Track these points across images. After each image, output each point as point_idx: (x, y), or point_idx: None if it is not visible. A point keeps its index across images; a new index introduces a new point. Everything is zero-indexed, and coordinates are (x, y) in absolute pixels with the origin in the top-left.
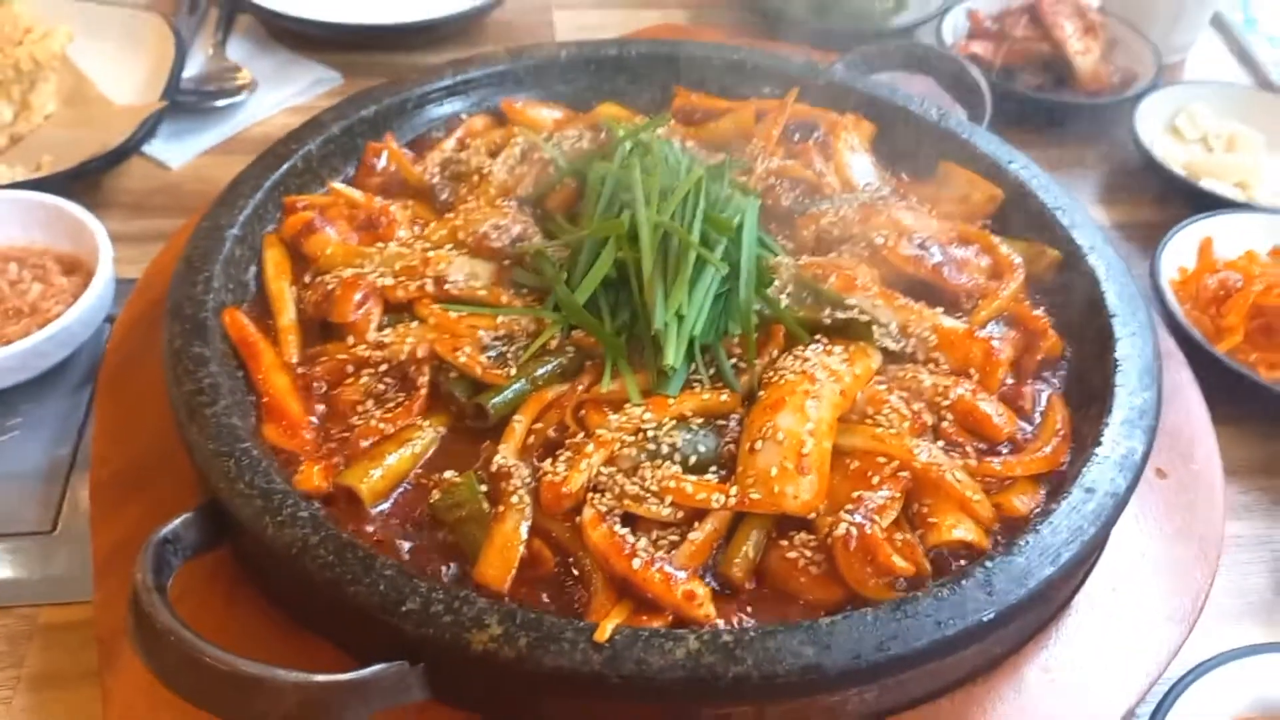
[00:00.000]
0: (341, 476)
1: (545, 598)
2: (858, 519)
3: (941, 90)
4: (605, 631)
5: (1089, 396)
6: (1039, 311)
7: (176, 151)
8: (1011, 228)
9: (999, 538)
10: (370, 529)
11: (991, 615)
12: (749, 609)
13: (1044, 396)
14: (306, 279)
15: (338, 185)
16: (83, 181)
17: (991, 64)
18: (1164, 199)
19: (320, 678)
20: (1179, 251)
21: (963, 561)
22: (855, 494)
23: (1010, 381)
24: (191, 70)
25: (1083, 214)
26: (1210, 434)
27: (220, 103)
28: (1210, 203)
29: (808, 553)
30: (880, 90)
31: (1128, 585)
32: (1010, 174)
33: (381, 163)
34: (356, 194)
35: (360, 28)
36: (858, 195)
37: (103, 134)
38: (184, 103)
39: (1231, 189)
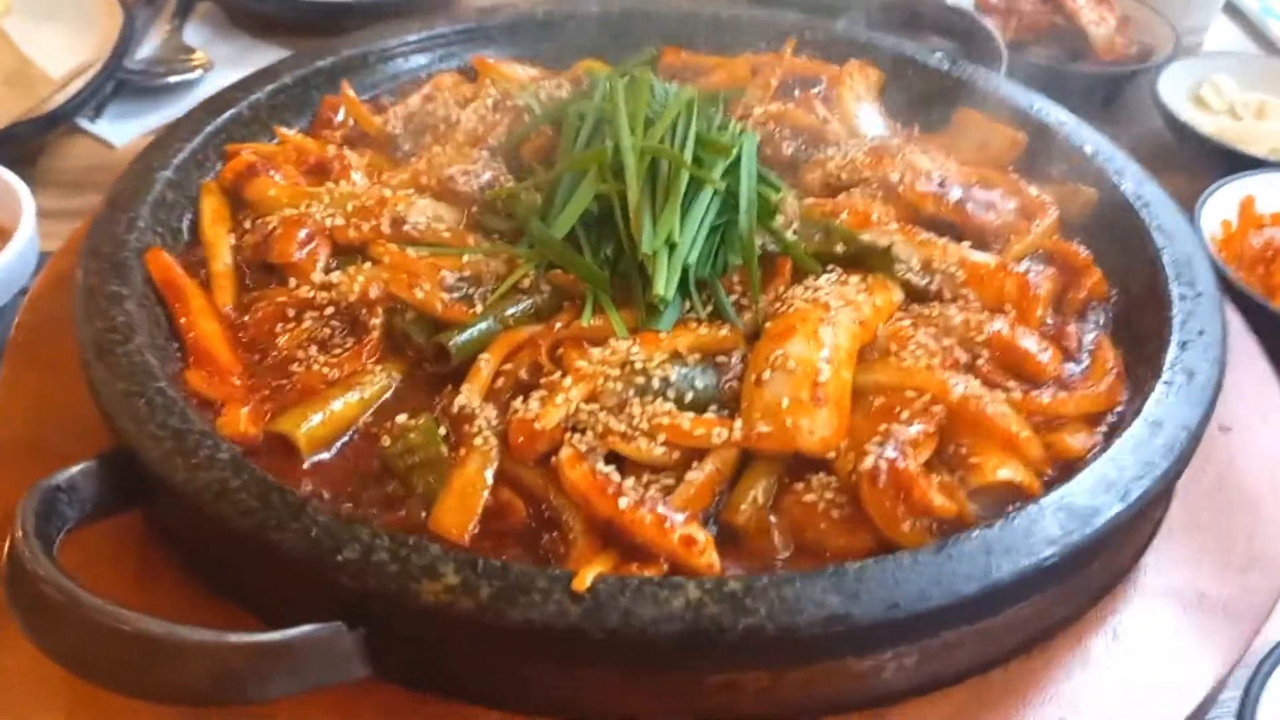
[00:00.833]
0: (275, 422)
1: (516, 551)
2: (888, 452)
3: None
4: (586, 579)
5: (1141, 336)
6: (1077, 246)
7: (122, 130)
8: (1038, 174)
9: (1052, 481)
10: (307, 485)
11: (1055, 557)
12: (757, 559)
13: (1091, 337)
14: (247, 225)
15: (286, 130)
16: (20, 156)
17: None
18: (1194, 168)
19: (235, 638)
20: (1216, 213)
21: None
22: (882, 426)
23: (1052, 322)
24: (145, 52)
25: (1116, 151)
26: (1276, 387)
27: (172, 79)
28: (1246, 166)
29: (828, 494)
30: (885, 41)
31: (1206, 540)
32: (1032, 117)
33: (339, 118)
34: (306, 140)
35: (322, 4)
36: (867, 142)
37: (35, 101)
38: (133, 80)
39: (1266, 155)
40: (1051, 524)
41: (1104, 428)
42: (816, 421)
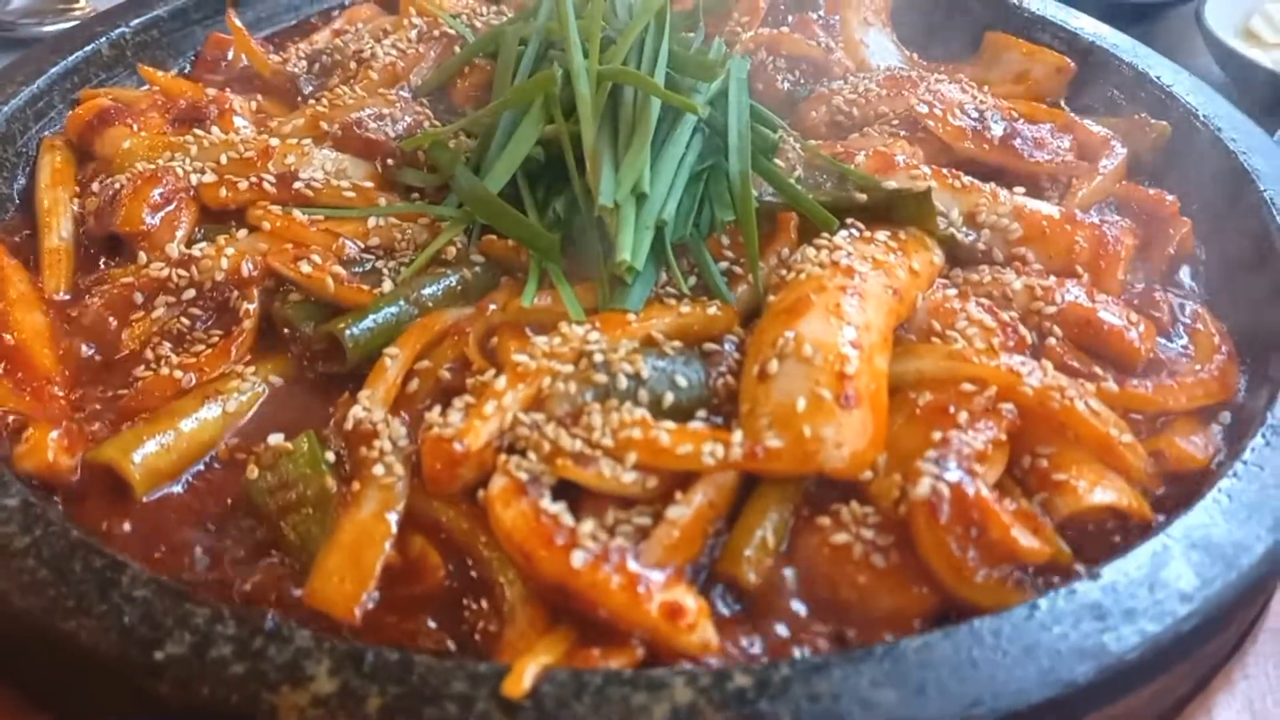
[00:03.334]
0: (97, 449)
1: (432, 625)
2: (950, 472)
3: None
4: (524, 679)
5: (1250, 301)
6: (1158, 191)
7: None
8: (1091, 107)
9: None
10: (128, 528)
11: (1195, 618)
12: (773, 631)
13: (1185, 308)
14: (95, 186)
15: (152, 70)
16: None
17: None
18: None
19: None
20: None
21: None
22: (935, 434)
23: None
24: (18, 2)
25: (1187, 75)
26: None
27: (48, 28)
28: None
29: (866, 532)
30: None
31: None
32: (1081, 40)
33: (229, 56)
34: (179, 82)
35: None
36: (878, 73)
37: None
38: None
39: None
40: (1183, 568)
41: (1219, 426)
42: (845, 430)
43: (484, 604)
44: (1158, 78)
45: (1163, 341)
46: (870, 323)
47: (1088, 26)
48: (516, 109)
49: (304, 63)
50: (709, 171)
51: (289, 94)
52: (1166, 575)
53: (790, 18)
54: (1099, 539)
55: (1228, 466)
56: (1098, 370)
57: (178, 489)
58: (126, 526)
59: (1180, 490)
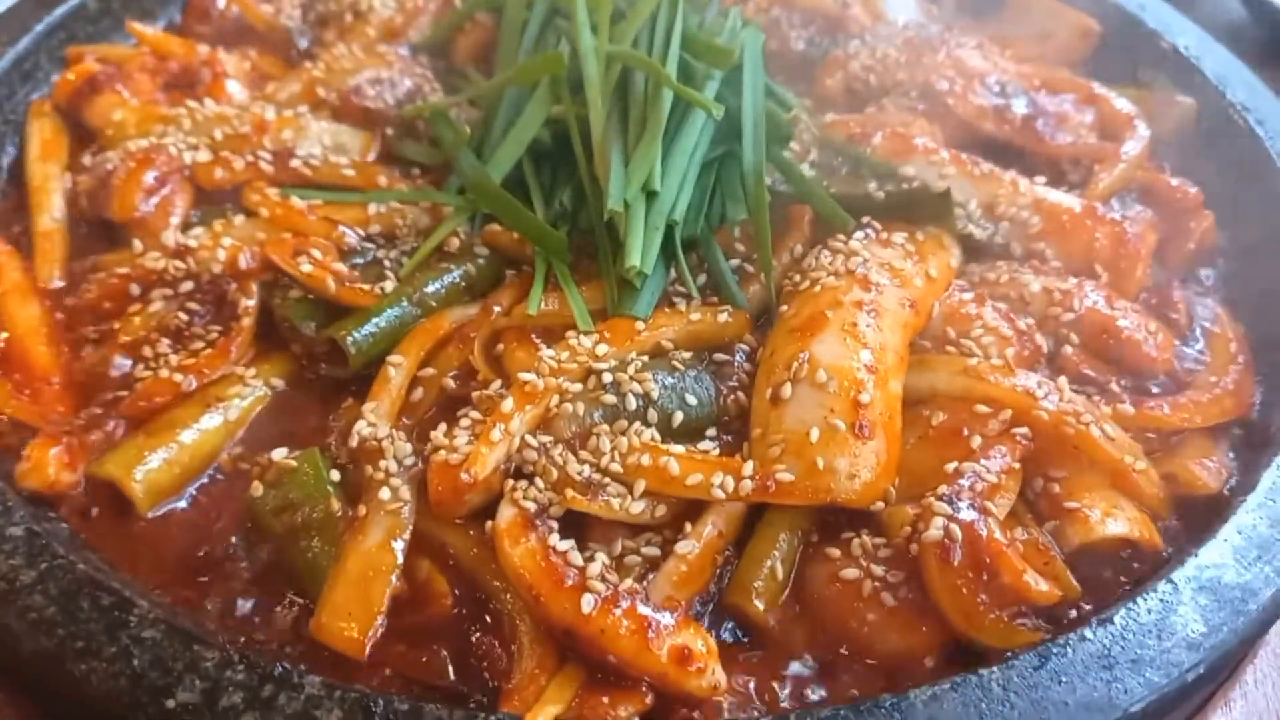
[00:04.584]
0: (99, 463)
1: (443, 654)
2: (962, 510)
3: None
4: None
5: (1269, 299)
6: (1181, 181)
7: None
8: (1116, 73)
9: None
10: (133, 551)
11: (1200, 667)
12: (781, 669)
13: (1204, 307)
14: (86, 160)
15: (141, 26)
16: None
17: None
18: (1274, 58)
19: None
20: None
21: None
22: (949, 466)
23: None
24: None
25: (1216, 47)
26: None
27: None
28: None
29: (876, 568)
30: None
31: None
32: (1107, 0)
33: (219, 5)
34: (170, 40)
35: None
36: (898, 32)
37: None
38: None
39: None
40: (1191, 614)
41: (1229, 443)
42: (859, 461)
43: (492, 635)
44: (1185, 49)
45: (1179, 345)
46: (886, 343)
47: None
48: (522, 87)
49: (298, 12)
50: (721, 160)
51: (283, 47)
52: (1175, 621)
53: None
54: (1108, 566)
55: (1239, 496)
56: (1113, 382)
57: (181, 504)
58: (131, 550)
59: (1191, 511)
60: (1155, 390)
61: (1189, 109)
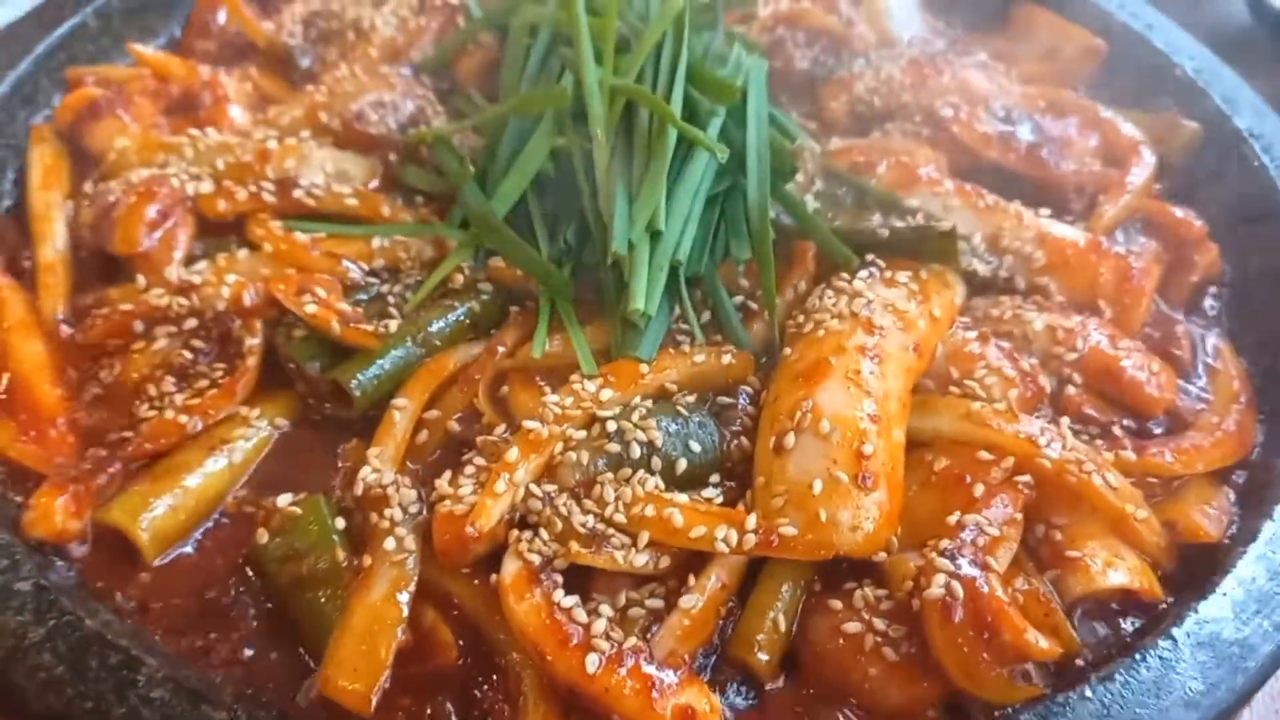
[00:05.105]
0: (105, 510)
1: (448, 707)
2: (964, 567)
3: None
4: None
5: (1271, 333)
6: (1185, 212)
7: None
8: (1121, 93)
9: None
10: (138, 603)
11: None
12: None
13: (1207, 341)
14: (88, 188)
15: (141, 48)
16: None
17: None
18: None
19: None
20: None
21: (1128, 631)
22: (951, 518)
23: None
24: None
25: (1223, 71)
26: None
27: None
28: None
29: (878, 622)
30: None
31: None
32: (1114, 18)
33: (220, 21)
34: (171, 61)
35: None
36: (902, 51)
37: None
38: None
39: None
40: (1190, 671)
41: (1230, 488)
42: (862, 513)
43: (497, 689)
44: (1192, 70)
45: (1181, 384)
46: (889, 390)
47: (1127, 3)
48: (524, 117)
49: (299, 27)
50: (724, 197)
51: (285, 65)
52: (1174, 679)
53: None
54: (1109, 614)
55: (1240, 546)
56: (1115, 424)
57: (188, 549)
58: (138, 598)
59: (1192, 556)
60: (1157, 430)
61: (1194, 133)
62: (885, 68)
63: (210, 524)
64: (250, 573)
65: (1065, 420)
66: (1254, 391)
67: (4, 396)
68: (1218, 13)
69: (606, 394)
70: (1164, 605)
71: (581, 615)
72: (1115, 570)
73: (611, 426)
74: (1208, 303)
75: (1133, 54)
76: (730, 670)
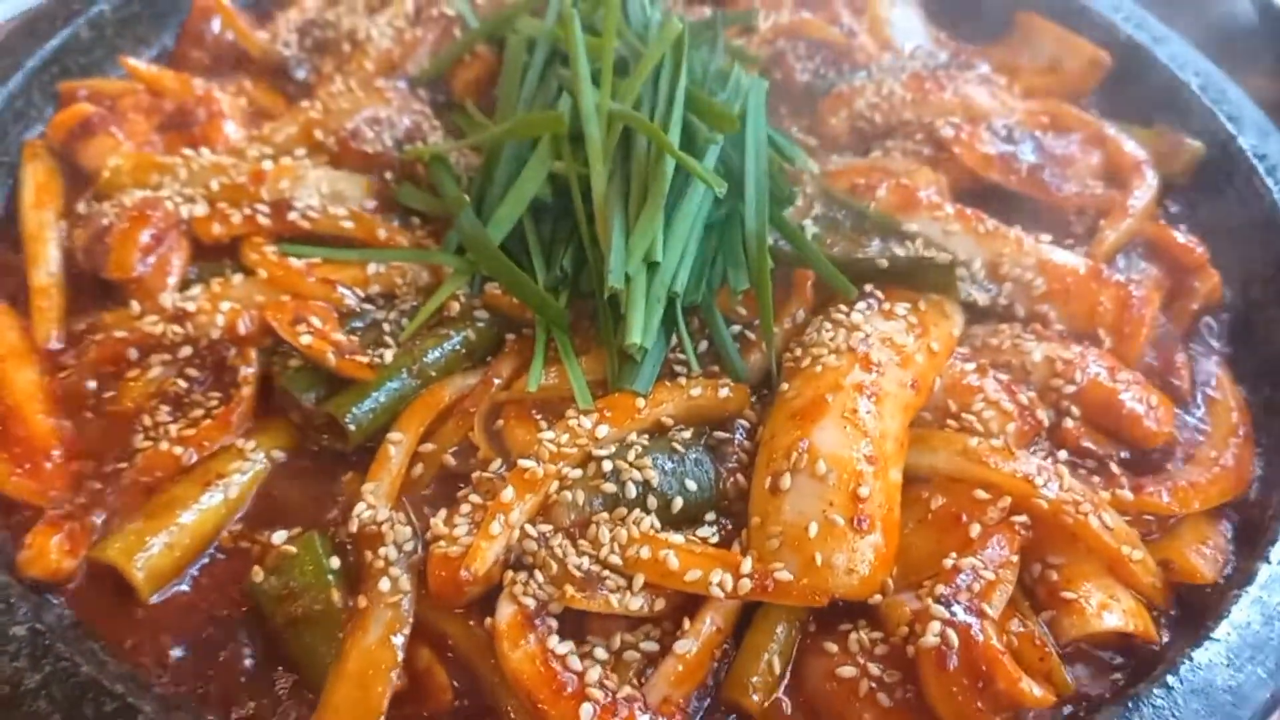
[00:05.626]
0: (100, 546)
1: None
2: (959, 614)
3: None
4: None
5: (1271, 362)
6: (1188, 238)
7: None
8: (1125, 107)
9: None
10: (132, 643)
11: None
12: None
13: (1206, 369)
14: (81, 207)
15: (135, 62)
16: None
17: None
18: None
19: None
20: None
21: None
22: (948, 560)
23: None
24: None
25: (1229, 86)
26: None
27: None
28: None
29: (873, 666)
30: None
31: None
32: (1119, 31)
33: (214, 31)
34: (165, 76)
35: None
36: (904, 63)
37: None
38: None
39: None
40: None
41: (1227, 524)
42: (857, 556)
43: None
44: (1198, 86)
45: (1180, 413)
46: (886, 430)
47: (1132, 15)
48: (521, 140)
49: (294, 37)
50: (722, 226)
51: (279, 76)
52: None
53: None
54: (1103, 656)
55: (1235, 589)
56: (1113, 460)
57: (183, 586)
58: (133, 636)
59: (1188, 595)
60: (1155, 457)
61: (1197, 152)
62: (887, 82)
63: (205, 559)
64: (245, 610)
65: (1063, 454)
66: (1252, 424)
67: None
68: (1223, 12)
69: (602, 430)
70: (1158, 648)
71: (576, 663)
72: (1110, 613)
73: (607, 466)
74: (1207, 329)
75: (1134, 66)
76: (724, 712)
